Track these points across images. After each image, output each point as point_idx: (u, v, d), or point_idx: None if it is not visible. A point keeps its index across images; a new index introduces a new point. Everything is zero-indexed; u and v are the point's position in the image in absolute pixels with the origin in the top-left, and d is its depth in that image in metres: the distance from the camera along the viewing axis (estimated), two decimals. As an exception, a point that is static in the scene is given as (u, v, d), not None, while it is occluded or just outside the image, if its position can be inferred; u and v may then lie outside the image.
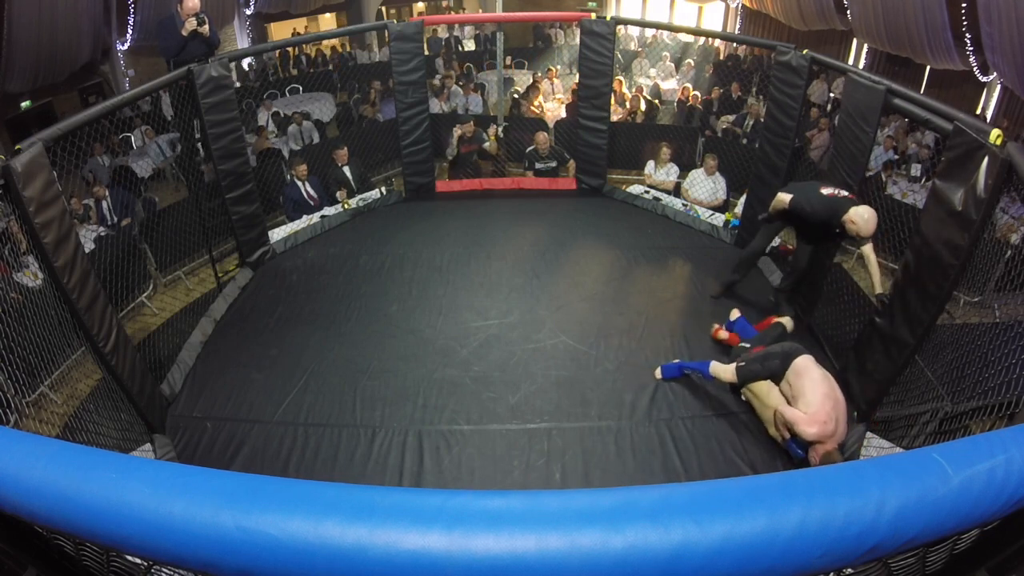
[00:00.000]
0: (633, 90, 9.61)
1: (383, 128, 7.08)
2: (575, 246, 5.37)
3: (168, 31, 4.60)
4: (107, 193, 6.09)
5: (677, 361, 3.82)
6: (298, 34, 14.56)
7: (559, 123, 7.30)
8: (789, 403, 3.16)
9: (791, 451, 3.10)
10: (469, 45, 14.51)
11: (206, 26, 4.51)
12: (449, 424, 3.50)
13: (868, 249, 3.62)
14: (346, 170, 6.09)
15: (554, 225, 5.69)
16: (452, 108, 8.89)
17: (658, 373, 3.80)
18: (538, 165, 6.50)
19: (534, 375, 3.84)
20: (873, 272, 3.62)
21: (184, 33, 4.48)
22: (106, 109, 3.38)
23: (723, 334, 4.08)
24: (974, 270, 3.02)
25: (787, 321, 3.87)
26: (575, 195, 6.38)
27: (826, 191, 3.70)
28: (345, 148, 6.12)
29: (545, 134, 6.48)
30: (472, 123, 6.73)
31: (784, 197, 3.84)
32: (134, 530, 1.06)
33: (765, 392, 3.30)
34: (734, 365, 3.40)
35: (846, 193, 3.67)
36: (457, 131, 6.65)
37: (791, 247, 5.09)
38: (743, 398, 3.52)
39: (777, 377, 3.28)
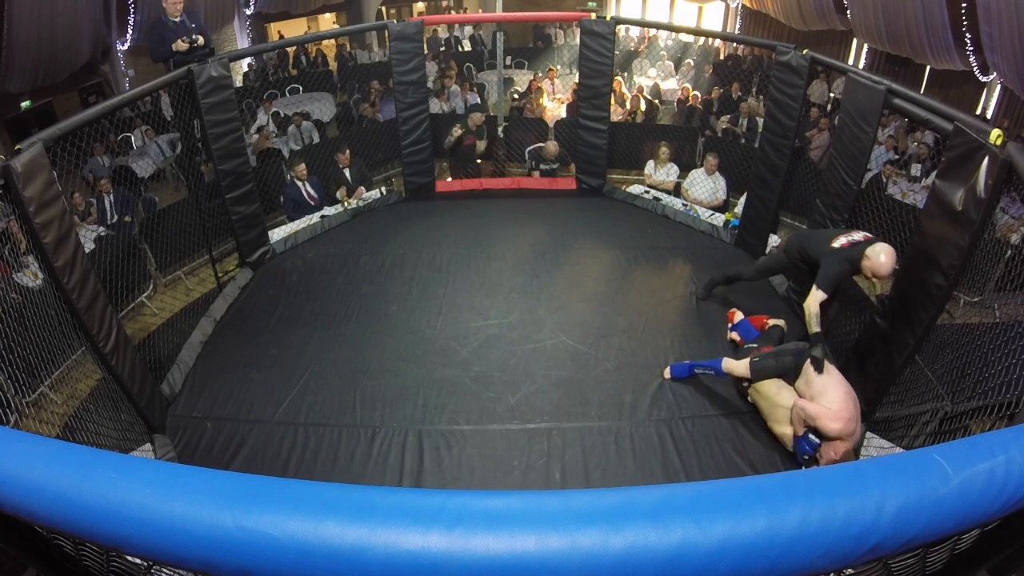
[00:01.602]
0: (634, 90, 9.61)
1: (383, 128, 7.08)
2: (575, 246, 5.37)
3: (157, 34, 4.63)
4: (111, 188, 6.10)
5: (687, 361, 3.80)
6: (282, 37, 14.36)
7: (559, 123, 7.30)
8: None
9: (799, 449, 3.09)
10: (468, 45, 14.51)
11: (201, 38, 4.52)
12: (449, 424, 3.50)
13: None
14: (347, 172, 6.09)
15: (554, 225, 5.69)
16: (452, 108, 8.90)
17: (667, 373, 3.79)
18: (543, 166, 6.50)
19: (534, 375, 3.84)
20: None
21: (175, 48, 4.52)
22: (106, 109, 3.38)
23: (735, 336, 4.08)
24: (974, 270, 3.02)
25: (783, 323, 3.87)
26: (575, 195, 6.37)
27: (838, 243, 3.35)
28: (348, 151, 6.11)
29: (555, 144, 6.46)
30: (482, 115, 6.67)
31: (819, 300, 3.33)
32: (134, 530, 1.07)
33: (775, 392, 3.29)
34: (747, 360, 3.39)
35: (860, 236, 3.34)
36: (457, 131, 6.63)
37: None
38: (749, 399, 3.51)
39: (789, 375, 3.28)
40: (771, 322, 3.91)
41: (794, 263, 3.82)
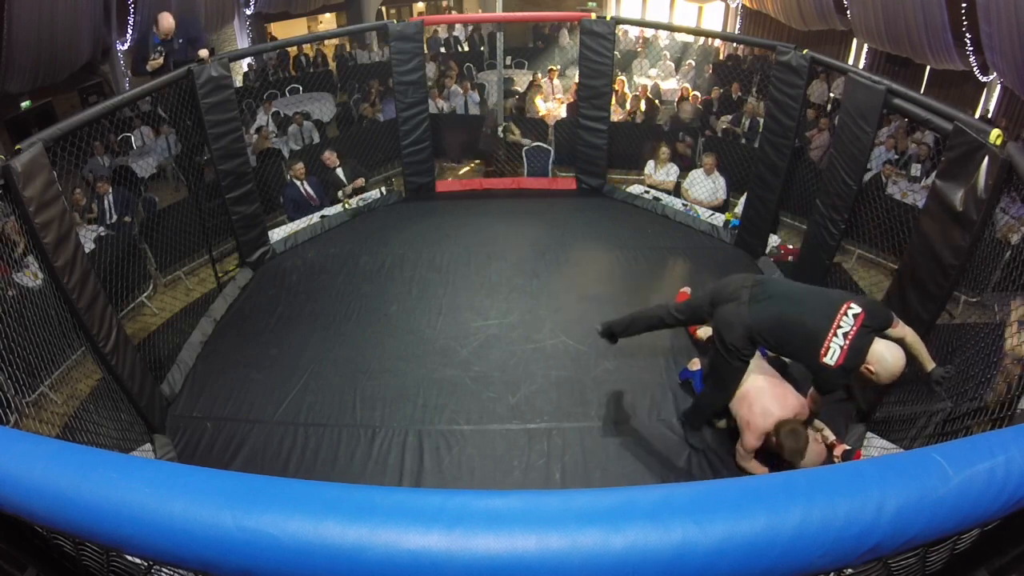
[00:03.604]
0: (637, 90, 9.60)
1: (383, 128, 7.08)
2: (575, 246, 5.37)
3: (142, 51, 4.68)
4: (110, 189, 6.10)
5: (696, 369, 3.74)
6: (273, 38, 14.19)
7: (559, 123, 7.30)
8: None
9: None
10: (467, 45, 14.51)
11: (204, 52, 4.53)
12: (449, 424, 3.50)
13: (900, 331, 2.60)
14: (339, 172, 6.08)
15: (554, 225, 5.69)
16: (452, 108, 8.89)
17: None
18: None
19: (534, 375, 3.84)
20: (917, 350, 2.63)
21: (149, 70, 4.56)
22: (106, 109, 3.37)
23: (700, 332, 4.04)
24: (974, 270, 3.02)
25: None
26: (575, 195, 6.37)
27: (831, 356, 2.49)
28: (331, 152, 6.07)
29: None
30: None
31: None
32: (134, 530, 1.07)
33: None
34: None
35: (851, 325, 2.49)
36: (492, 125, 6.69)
37: (792, 247, 5.09)
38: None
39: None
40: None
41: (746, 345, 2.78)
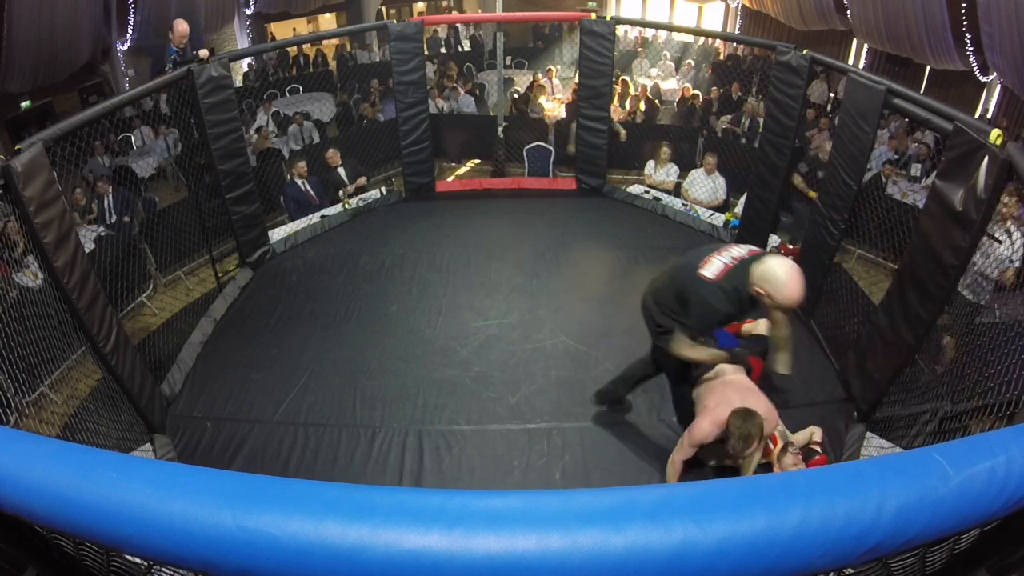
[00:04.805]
0: (637, 90, 9.60)
1: (383, 128, 7.08)
2: (575, 246, 5.37)
3: (160, 63, 4.68)
4: (110, 189, 6.10)
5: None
6: (274, 37, 14.16)
7: (559, 123, 7.30)
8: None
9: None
10: (467, 45, 14.51)
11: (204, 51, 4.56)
12: (449, 424, 3.50)
13: (781, 315, 2.48)
14: (340, 171, 6.08)
15: (554, 225, 5.69)
16: (451, 108, 8.89)
17: None
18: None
19: (534, 375, 3.84)
20: (784, 344, 2.59)
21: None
22: (106, 109, 3.38)
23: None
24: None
25: (765, 328, 3.50)
26: (575, 195, 6.38)
27: (710, 269, 2.39)
28: (334, 150, 6.09)
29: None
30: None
31: (691, 352, 2.66)
32: (134, 530, 1.06)
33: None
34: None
35: (743, 251, 2.45)
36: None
37: (792, 247, 5.09)
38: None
39: None
40: (749, 329, 3.66)
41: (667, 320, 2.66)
